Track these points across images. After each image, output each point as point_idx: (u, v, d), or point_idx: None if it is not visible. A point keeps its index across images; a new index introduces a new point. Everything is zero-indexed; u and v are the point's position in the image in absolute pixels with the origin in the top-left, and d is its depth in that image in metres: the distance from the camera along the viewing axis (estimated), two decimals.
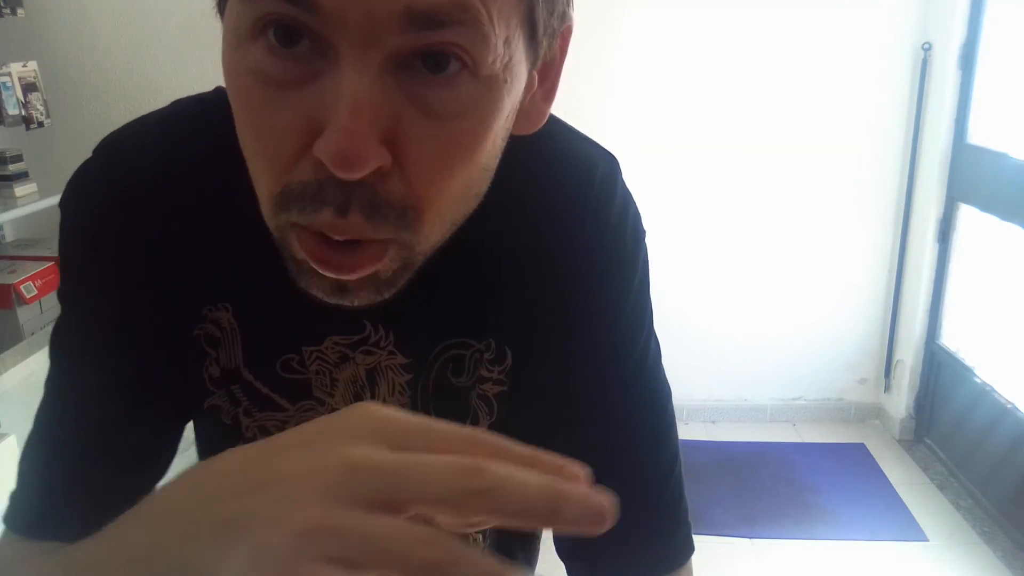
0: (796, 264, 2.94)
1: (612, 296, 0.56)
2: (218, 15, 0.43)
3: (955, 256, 2.74)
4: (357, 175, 0.38)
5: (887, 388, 3.05)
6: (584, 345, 0.56)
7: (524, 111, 0.47)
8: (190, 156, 0.52)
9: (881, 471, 2.76)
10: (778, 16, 2.71)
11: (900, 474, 2.74)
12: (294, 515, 0.29)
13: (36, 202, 2.40)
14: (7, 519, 0.56)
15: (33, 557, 0.52)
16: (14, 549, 0.54)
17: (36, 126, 2.48)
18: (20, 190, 2.38)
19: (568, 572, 0.61)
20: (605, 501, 0.29)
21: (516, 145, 0.52)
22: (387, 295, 0.46)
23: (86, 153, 0.55)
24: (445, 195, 0.43)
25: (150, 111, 0.56)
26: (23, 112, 2.43)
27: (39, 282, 2.20)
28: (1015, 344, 2.41)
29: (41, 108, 2.50)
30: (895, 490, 2.65)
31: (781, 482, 2.69)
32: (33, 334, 2.07)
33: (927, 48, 2.70)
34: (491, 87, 0.41)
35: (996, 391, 2.48)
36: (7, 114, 2.38)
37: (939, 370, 2.81)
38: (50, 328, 0.57)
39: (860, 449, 2.90)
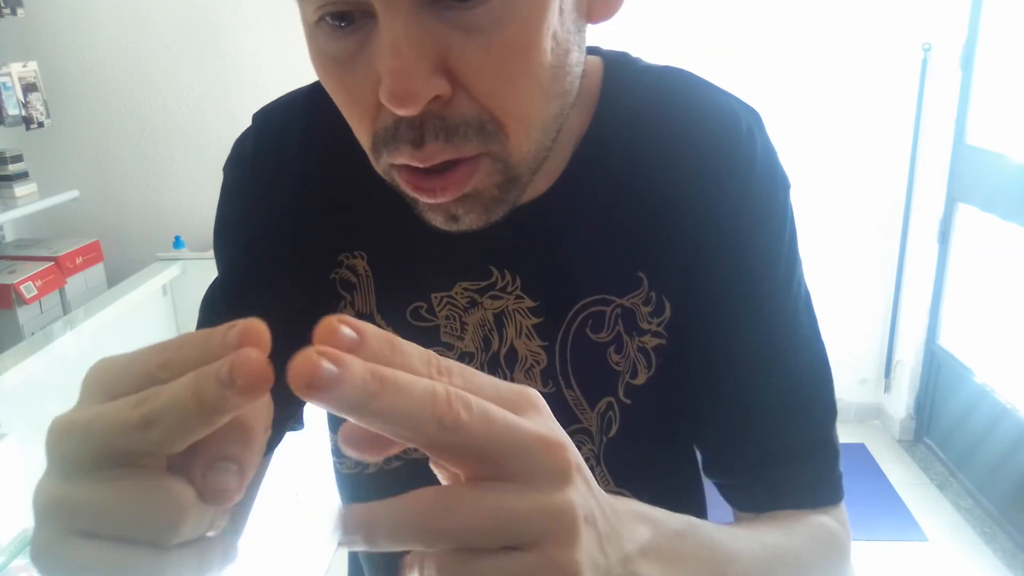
0: None
1: (767, 248, 0.57)
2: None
3: (955, 256, 2.74)
4: (413, 109, 0.41)
5: (887, 388, 3.05)
6: (742, 297, 0.56)
7: None
8: (330, 121, 0.56)
9: (881, 471, 2.76)
10: (778, 16, 2.71)
11: (900, 474, 2.74)
12: None
13: (36, 202, 2.41)
14: None
15: None
16: None
17: (36, 126, 2.48)
18: (20, 190, 2.38)
19: (720, 491, 0.63)
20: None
21: (655, 96, 0.56)
22: (499, 213, 0.48)
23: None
24: (519, 102, 0.44)
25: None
26: (23, 112, 2.43)
27: (39, 282, 2.20)
28: (1015, 344, 2.40)
29: (41, 108, 2.50)
30: (895, 490, 2.65)
31: None
32: (33, 334, 2.06)
33: (927, 48, 2.70)
34: None
35: (996, 391, 2.48)
36: (7, 114, 2.38)
37: (939, 370, 2.81)
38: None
39: (860, 449, 2.90)
